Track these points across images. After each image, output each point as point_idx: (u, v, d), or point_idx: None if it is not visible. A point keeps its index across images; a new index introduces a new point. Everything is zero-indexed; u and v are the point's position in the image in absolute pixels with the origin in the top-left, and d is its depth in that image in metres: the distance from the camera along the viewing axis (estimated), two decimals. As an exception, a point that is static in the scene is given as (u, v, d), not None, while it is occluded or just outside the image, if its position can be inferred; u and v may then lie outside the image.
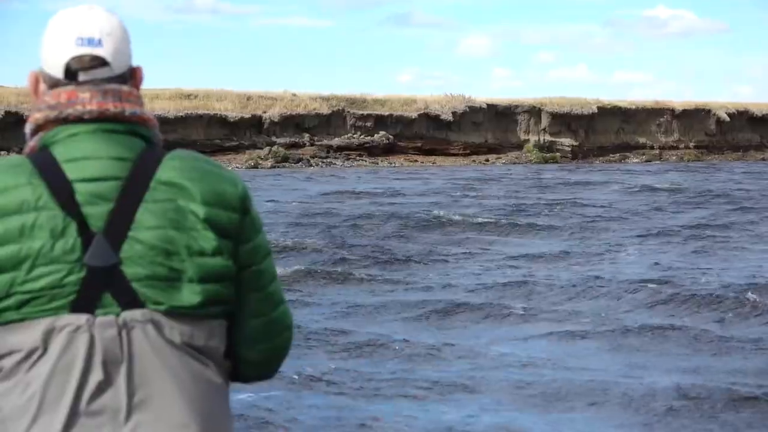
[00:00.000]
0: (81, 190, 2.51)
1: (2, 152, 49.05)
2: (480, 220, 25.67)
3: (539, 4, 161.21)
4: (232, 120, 55.14)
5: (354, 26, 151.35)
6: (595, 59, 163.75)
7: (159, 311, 2.52)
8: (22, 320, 2.49)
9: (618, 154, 66.27)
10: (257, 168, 52.31)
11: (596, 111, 65.61)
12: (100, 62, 2.60)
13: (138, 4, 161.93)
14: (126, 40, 2.67)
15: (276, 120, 56.24)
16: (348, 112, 58.46)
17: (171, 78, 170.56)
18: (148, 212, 2.52)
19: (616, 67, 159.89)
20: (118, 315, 2.50)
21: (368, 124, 58.76)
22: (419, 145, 60.01)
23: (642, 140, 67.97)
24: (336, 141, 57.48)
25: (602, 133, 66.65)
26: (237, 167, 51.99)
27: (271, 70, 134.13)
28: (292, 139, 56.36)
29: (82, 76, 2.59)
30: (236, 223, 2.60)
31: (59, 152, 2.55)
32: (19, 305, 2.48)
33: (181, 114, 53.35)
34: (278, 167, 53.03)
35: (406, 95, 62.91)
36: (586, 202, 31.65)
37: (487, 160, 60.99)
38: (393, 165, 56.56)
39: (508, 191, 36.59)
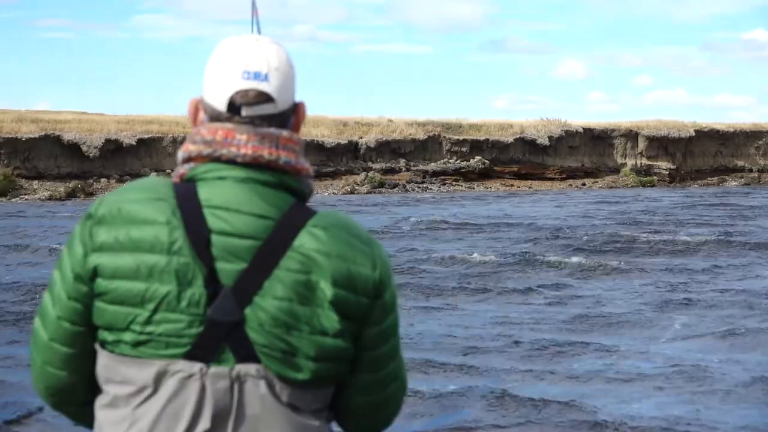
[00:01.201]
0: (217, 243, 2.45)
1: (102, 179, 49.76)
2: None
3: (635, 27, 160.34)
4: (328, 146, 55.40)
5: (451, 52, 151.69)
6: (693, 82, 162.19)
7: (273, 372, 2.48)
8: (136, 356, 2.48)
9: (716, 177, 65.41)
10: (353, 193, 52.46)
11: (693, 134, 64.80)
12: (265, 98, 2.53)
13: (237, 31, 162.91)
14: (292, 76, 2.59)
15: (372, 146, 56.38)
16: (444, 137, 58.42)
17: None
18: (278, 281, 2.46)
19: (713, 90, 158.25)
20: (232, 367, 2.46)
21: (464, 149, 58.67)
22: (515, 169, 59.71)
23: (740, 163, 66.99)
24: (432, 166, 57.40)
25: (700, 156, 65.84)
26: (333, 193, 52.25)
27: (368, 96, 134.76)
28: (388, 165, 56.41)
29: (245, 111, 2.52)
30: (364, 308, 2.52)
31: (204, 193, 2.50)
32: (136, 344, 2.46)
33: (278, 140, 53.68)
34: (374, 192, 53.12)
35: (501, 120, 62.67)
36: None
37: (584, 184, 60.50)
38: (489, 189, 56.36)
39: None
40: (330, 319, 2.47)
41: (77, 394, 2.64)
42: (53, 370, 2.61)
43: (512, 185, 58.42)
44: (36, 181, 48.99)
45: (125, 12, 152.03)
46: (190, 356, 2.45)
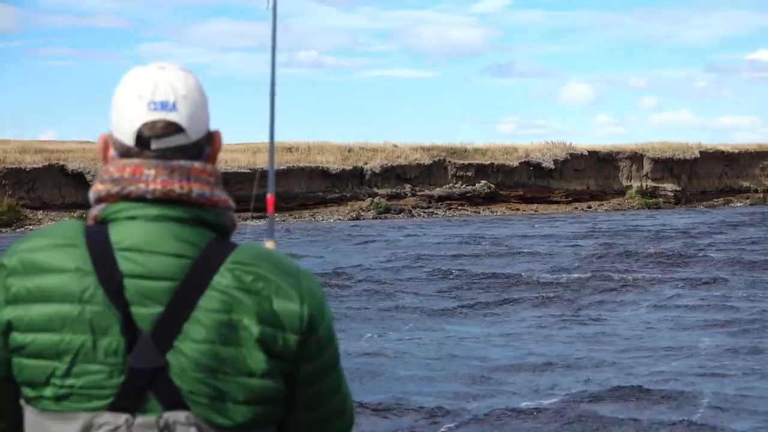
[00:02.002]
0: (131, 288, 2.32)
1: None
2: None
3: (641, 50, 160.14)
4: (333, 172, 55.29)
5: (455, 76, 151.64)
6: (698, 104, 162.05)
7: (202, 418, 2.34)
8: (60, 411, 2.36)
9: (722, 198, 65.31)
10: (359, 219, 52.36)
11: (698, 155, 64.77)
12: (174, 129, 2.39)
13: (241, 59, 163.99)
14: (203, 103, 2.46)
15: (377, 171, 56.28)
16: (449, 161, 58.31)
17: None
18: (198, 323, 2.31)
19: (719, 112, 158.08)
20: (160, 416, 2.33)
21: (469, 173, 58.51)
22: (521, 193, 59.60)
23: (746, 184, 66.91)
24: (437, 191, 57.29)
25: (705, 177, 65.79)
26: (339, 219, 52.16)
27: (372, 122, 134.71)
28: (394, 190, 56.29)
29: (155, 144, 2.38)
30: (294, 345, 2.38)
31: (115, 235, 2.36)
32: (57, 398, 2.34)
33: (283, 167, 53.69)
34: (380, 218, 53.04)
35: (506, 144, 62.64)
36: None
37: (590, 207, 60.41)
38: (494, 213, 56.26)
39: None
40: (256, 359, 2.34)
41: None
42: None
43: (518, 209, 58.33)
44: (41, 211, 48.91)
45: (128, 40, 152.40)
46: (114, 407, 2.33)
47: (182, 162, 2.39)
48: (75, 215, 47.85)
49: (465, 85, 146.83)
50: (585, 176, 62.29)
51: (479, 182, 58.52)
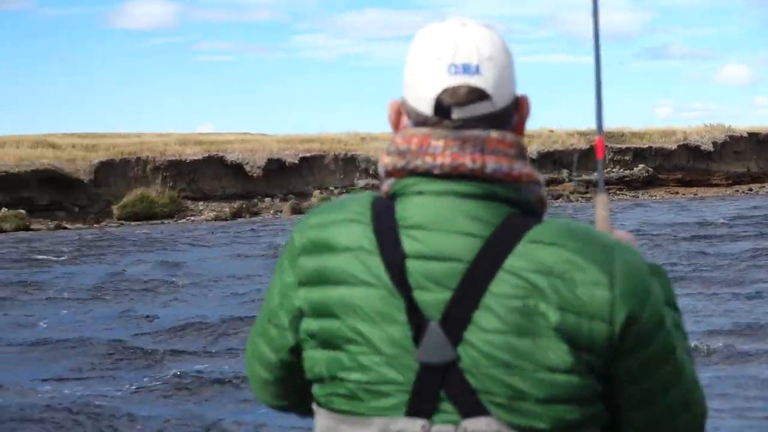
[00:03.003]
0: (414, 270, 2.04)
1: (266, 198, 50.08)
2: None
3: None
4: (489, 159, 54.99)
5: (611, 60, 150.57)
6: None
7: (505, 422, 2.02)
8: (352, 413, 2.11)
9: None
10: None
11: None
12: (478, 95, 2.07)
13: (393, 48, 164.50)
14: (509, 65, 2.13)
15: (534, 157, 55.81)
16: (606, 146, 57.38)
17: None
18: (489, 311, 2.01)
19: None
20: (457, 424, 2.03)
21: (627, 157, 57.93)
22: (679, 176, 58.76)
23: None
24: (595, 176, 56.55)
25: None
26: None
27: (532, 108, 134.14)
28: (551, 175, 55.85)
29: (456, 113, 2.07)
30: (603, 336, 2.01)
31: (402, 212, 2.09)
32: (345, 396, 2.11)
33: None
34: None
35: (663, 127, 62.03)
36: None
37: (750, 189, 59.17)
38: (653, 198, 55.41)
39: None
40: (558, 352, 2.00)
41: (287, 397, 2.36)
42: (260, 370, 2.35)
43: (677, 193, 57.44)
44: (201, 202, 49.54)
45: (283, 32, 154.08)
46: (410, 411, 2.06)
47: (475, 132, 2.07)
48: (235, 206, 48.35)
49: (621, 69, 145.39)
50: (745, 158, 61.13)
51: (637, 166, 57.86)
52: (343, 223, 2.12)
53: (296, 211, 48.80)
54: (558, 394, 2.01)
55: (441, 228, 2.06)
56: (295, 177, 51.75)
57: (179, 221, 47.16)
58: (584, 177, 56.65)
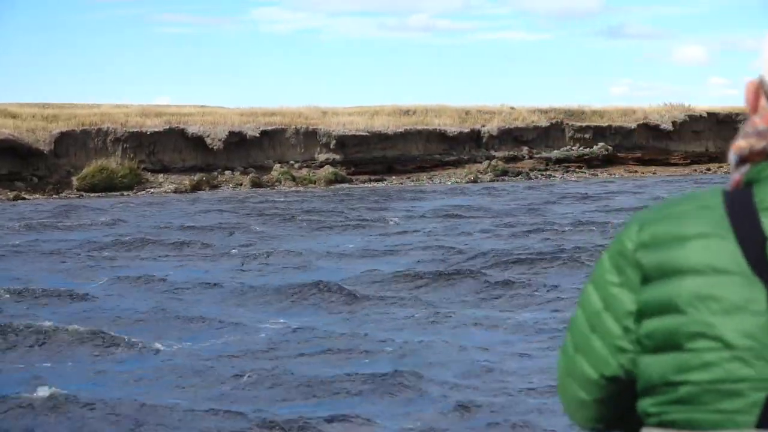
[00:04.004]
0: None
1: (227, 171, 49.91)
2: None
3: (755, 11, 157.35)
4: (450, 135, 55.04)
5: (568, 39, 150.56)
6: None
7: None
8: (689, 426, 1.93)
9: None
10: (477, 182, 52.04)
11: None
12: None
13: (352, 23, 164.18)
14: None
15: (494, 134, 55.96)
16: (566, 124, 57.80)
17: (389, 95, 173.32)
18: None
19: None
20: None
21: (587, 135, 57.91)
22: (639, 155, 58.90)
23: None
24: (555, 153, 56.78)
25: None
26: (457, 182, 51.91)
27: (489, 85, 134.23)
28: (511, 153, 55.98)
29: None
30: None
31: (760, 194, 1.94)
32: (687, 400, 1.92)
33: (400, 130, 53.52)
34: (497, 181, 52.70)
35: (624, 106, 61.99)
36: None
37: (708, 169, 59.45)
38: (612, 176, 55.60)
39: None
40: None
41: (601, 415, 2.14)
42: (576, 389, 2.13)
43: (636, 171, 57.59)
44: (161, 174, 49.31)
45: (242, 5, 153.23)
46: (762, 423, 1.87)
47: None
48: (195, 178, 48.19)
49: (579, 47, 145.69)
50: (704, 138, 61.34)
51: (597, 144, 57.94)
52: (688, 213, 1.98)
53: (256, 184, 48.72)
54: None
55: None
56: (256, 150, 51.55)
57: (139, 193, 46.97)
58: (544, 155, 56.86)
